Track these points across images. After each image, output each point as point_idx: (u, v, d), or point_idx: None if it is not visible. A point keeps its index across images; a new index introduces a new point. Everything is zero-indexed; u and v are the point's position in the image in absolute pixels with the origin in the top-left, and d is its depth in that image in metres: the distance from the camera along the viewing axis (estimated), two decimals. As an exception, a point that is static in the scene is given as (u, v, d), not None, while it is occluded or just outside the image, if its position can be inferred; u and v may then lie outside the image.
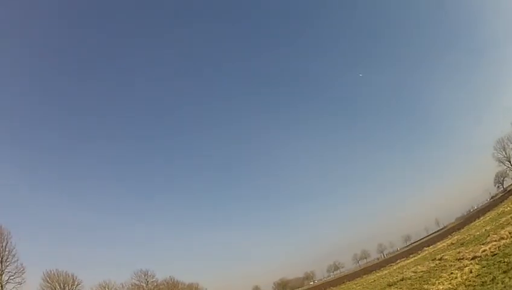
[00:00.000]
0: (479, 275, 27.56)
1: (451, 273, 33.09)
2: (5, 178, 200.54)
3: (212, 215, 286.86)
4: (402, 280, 45.16)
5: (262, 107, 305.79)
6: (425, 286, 33.48)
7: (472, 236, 53.35)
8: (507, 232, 37.46)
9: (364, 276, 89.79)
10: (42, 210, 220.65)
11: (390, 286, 47.24)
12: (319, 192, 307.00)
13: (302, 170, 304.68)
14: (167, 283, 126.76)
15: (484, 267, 29.16)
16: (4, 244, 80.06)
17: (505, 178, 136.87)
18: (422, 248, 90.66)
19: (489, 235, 41.64)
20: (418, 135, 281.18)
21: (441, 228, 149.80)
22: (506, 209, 63.72)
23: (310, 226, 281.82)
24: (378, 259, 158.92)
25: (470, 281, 27.64)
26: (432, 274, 38.33)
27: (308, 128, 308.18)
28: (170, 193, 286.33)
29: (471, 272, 30.22)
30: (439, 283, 31.82)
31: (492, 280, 24.18)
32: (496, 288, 22.15)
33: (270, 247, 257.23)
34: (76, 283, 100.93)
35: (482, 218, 77.69)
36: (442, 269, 38.08)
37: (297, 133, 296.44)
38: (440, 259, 45.72)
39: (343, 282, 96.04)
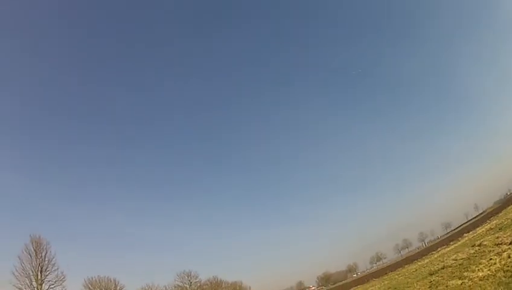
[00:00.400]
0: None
1: (490, 259, 34.36)
2: (46, 192, 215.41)
3: (252, 214, 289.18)
4: (443, 268, 46.16)
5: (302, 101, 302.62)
6: (466, 273, 34.39)
7: (510, 220, 54.09)
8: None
9: (406, 266, 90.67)
10: (80, 219, 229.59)
11: (431, 274, 48.42)
12: (358, 183, 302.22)
13: (340, 162, 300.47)
14: (210, 282, 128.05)
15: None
16: (43, 254, 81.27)
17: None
18: (462, 234, 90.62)
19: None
20: (452, 121, 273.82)
21: (480, 212, 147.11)
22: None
23: (350, 218, 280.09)
24: (419, 248, 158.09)
25: (508, 266, 28.78)
26: (472, 261, 39.52)
27: (347, 117, 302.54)
28: (209, 194, 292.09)
29: (509, 257, 31.48)
30: (478, 269, 32.91)
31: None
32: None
33: (311, 242, 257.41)
34: (118, 287, 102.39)
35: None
36: (482, 255, 39.40)
37: (335, 124, 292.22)
38: (479, 245, 46.84)
39: (386, 273, 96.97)
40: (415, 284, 47.63)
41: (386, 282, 73.33)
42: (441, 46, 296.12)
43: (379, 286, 71.94)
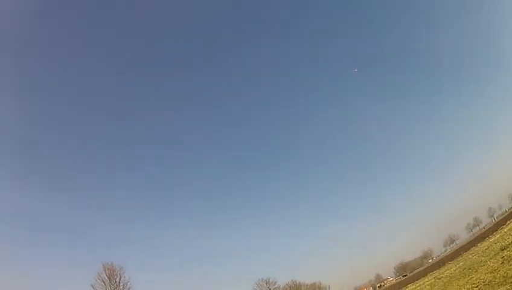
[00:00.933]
0: None
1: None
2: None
3: (322, 211, 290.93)
4: (514, 241, 48.64)
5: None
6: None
7: None
8: None
9: (478, 244, 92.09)
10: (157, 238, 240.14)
11: (503, 249, 51.72)
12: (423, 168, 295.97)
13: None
14: (290, 287, 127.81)
15: None
16: (118, 279, 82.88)
17: None
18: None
19: None
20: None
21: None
22: None
23: (418, 204, 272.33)
24: (488, 224, 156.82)
25: None
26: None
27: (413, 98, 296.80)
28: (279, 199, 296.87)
29: None
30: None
31: None
32: None
33: (385, 233, 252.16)
34: None
35: None
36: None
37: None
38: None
39: (460, 254, 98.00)
40: (488, 262, 50.64)
41: (460, 264, 75.44)
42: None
43: (454, 268, 73.91)
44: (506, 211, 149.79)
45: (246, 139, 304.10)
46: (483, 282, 41.60)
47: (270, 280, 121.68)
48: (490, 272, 43.27)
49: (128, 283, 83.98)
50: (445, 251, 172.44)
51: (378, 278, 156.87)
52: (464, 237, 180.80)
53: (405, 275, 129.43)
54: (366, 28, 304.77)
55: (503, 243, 58.78)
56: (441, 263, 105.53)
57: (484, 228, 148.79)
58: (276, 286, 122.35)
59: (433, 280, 73.81)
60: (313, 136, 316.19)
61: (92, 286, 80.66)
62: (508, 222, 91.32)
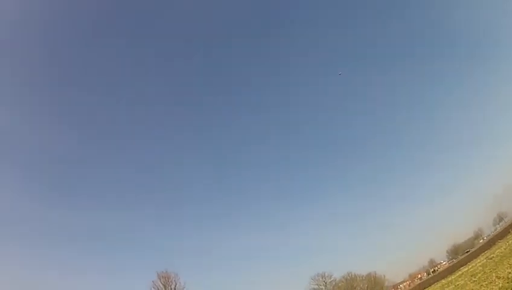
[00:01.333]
0: None
1: None
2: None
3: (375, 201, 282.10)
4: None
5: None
6: None
7: None
8: None
9: None
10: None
11: None
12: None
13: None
14: (345, 279, 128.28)
15: None
16: (173, 286, 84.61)
17: None
18: None
19: None
20: None
21: None
22: None
23: (464, 183, 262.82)
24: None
25: None
26: None
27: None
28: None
29: None
30: None
31: None
32: None
33: (435, 213, 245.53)
34: None
35: None
36: None
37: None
38: None
39: (509, 232, 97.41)
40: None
41: (510, 242, 77.34)
42: None
43: (504, 247, 75.26)
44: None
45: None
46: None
47: (326, 274, 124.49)
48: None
49: (184, 289, 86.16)
50: (494, 230, 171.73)
51: (432, 263, 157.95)
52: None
53: (452, 260, 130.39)
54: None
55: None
56: (491, 243, 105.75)
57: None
58: (332, 279, 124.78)
59: (484, 260, 75.02)
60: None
61: None
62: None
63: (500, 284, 40.51)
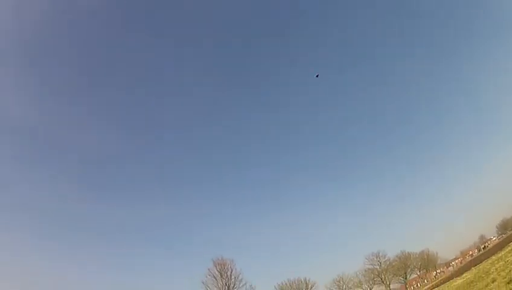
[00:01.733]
0: None
1: None
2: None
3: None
4: None
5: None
6: None
7: None
8: None
9: None
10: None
11: None
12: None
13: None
14: (399, 258, 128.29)
15: None
16: (229, 273, 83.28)
17: None
18: None
19: None
20: None
21: None
22: None
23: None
24: None
25: None
26: None
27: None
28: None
29: None
30: None
31: None
32: None
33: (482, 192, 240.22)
34: (310, 285, 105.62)
35: None
36: None
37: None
38: None
39: None
40: None
41: None
42: None
43: None
44: None
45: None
46: None
47: (380, 253, 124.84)
48: None
49: (240, 275, 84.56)
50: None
51: (482, 239, 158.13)
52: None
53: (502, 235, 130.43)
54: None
55: None
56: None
57: None
58: (386, 258, 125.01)
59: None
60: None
61: (202, 282, 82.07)
62: None
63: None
